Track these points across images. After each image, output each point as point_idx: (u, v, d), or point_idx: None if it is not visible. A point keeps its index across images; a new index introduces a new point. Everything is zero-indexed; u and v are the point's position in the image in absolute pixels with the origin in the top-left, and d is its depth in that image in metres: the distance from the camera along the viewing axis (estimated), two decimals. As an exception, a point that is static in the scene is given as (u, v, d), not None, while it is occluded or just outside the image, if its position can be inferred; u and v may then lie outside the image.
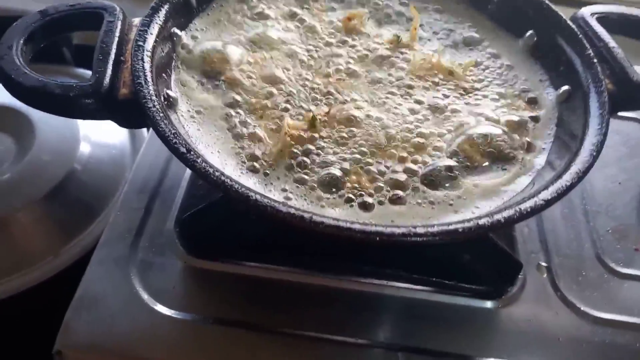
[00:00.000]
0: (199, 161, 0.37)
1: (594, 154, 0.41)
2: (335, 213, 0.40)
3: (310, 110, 0.46)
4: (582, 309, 0.48)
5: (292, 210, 0.36)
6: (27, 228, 0.58)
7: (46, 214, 0.59)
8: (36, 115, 0.63)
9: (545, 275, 0.50)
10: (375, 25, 0.56)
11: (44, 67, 0.71)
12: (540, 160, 0.46)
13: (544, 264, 0.51)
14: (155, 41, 0.45)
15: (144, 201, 0.52)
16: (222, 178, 0.37)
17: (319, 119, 0.45)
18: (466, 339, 0.46)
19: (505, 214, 0.37)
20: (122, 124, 0.44)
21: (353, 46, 0.53)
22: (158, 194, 0.53)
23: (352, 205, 0.41)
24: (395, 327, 0.46)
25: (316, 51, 0.52)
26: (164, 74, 0.47)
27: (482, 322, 0.47)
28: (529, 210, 0.37)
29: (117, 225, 0.50)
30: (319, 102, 0.47)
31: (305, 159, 0.43)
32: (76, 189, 0.62)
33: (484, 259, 0.48)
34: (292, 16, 0.55)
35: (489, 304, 0.48)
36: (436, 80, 0.51)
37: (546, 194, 0.38)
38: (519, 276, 0.50)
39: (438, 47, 0.54)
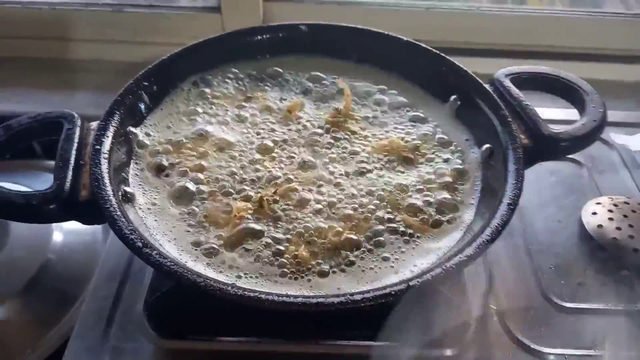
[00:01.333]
0: (153, 254, 0.42)
1: (512, 207, 0.47)
2: (285, 288, 0.45)
3: (258, 192, 0.51)
4: (532, 347, 0.52)
5: (239, 292, 0.41)
6: (3, 325, 0.60)
7: (22, 309, 0.62)
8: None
9: (495, 318, 0.54)
10: (316, 108, 0.62)
11: (16, 163, 0.76)
12: (469, 215, 0.51)
13: (493, 306, 0.56)
14: (112, 142, 0.51)
15: (113, 288, 0.55)
16: (174, 268, 0.42)
17: (267, 200, 0.50)
18: (428, 388, 0.50)
19: (432, 274, 0.42)
20: (85, 223, 0.49)
21: (298, 131, 0.59)
22: (127, 278, 0.56)
23: (297, 278, 0.46)
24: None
25: (262, 139, 0.58)
26: (122, 171, 0.52)
27: (442, 371, 0.51)
28: (453, 267, 0.43)
29: (88, 315, 0.54)
30: (267, 185, 0.53)
31: (252, 240, 0.48)
32: (51, 280, 0.65)
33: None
34: (238, 107, 0.61)
35: (448, 352, 0.52)
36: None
37: (469, 250, 0.44)
38: (470, 322, 0.54)
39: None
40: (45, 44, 0.91)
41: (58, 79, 0.89)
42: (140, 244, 0.43)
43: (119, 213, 0.44)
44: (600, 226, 0.61)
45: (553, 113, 0.69)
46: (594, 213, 0.63)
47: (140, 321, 0.53)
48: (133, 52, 0.90)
